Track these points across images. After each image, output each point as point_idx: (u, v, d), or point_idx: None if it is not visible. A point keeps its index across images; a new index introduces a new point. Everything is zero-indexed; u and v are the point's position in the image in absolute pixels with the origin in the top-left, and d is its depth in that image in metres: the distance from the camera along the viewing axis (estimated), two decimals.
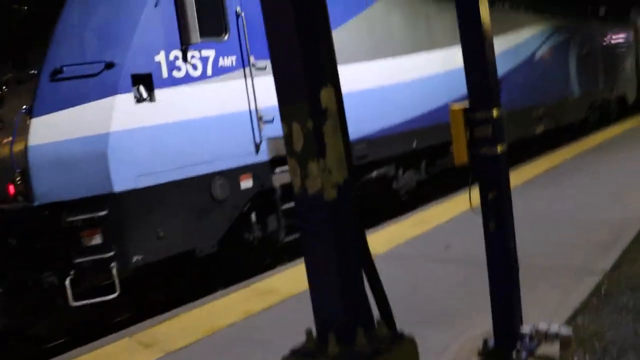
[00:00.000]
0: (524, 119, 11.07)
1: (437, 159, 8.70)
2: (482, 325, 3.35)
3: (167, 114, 4.90)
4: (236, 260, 5.89)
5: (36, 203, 4.42)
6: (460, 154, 2.86)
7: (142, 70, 4.73)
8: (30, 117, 4.43)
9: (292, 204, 5.91)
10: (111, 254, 4.53)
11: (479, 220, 6.05)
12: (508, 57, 10.63)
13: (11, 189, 4.60)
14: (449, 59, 8.67)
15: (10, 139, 4.56)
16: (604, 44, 15.99)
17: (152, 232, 4.77)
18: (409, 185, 8.07)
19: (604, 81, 15.77)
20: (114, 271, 4.53)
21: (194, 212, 5.11)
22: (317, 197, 1.99)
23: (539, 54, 11.84)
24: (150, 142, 4.78)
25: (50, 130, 4.44)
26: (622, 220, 5.49)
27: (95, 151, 4.52)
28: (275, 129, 5.73)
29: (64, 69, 4.46)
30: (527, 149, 11.70)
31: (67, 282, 4.41)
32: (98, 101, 4.55)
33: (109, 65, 4.57)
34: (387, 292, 4.14)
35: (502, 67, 10.25)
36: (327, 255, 2.04)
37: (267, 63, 5.46)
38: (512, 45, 10.78)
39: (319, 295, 2.14)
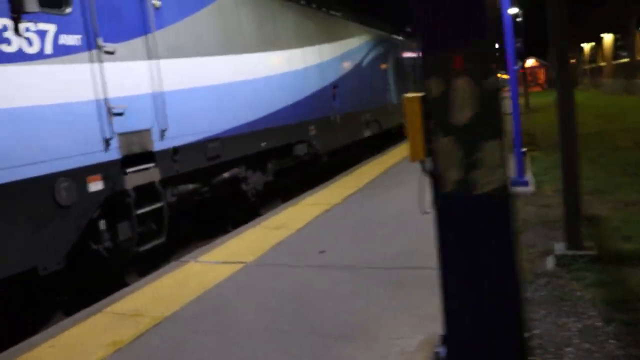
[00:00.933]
0: (356, 122, 11.65)
1: (281, 160, 8.63)
2: (406, 335, 3.25)
3: None
4: (84, 276, 4.99)
5: None
6: (416, 149, 2.60)
7: None
8: None
9: (147, 209, 5.26)
10: None
11: (338, 224, 6.07)
12: (344, 61, 11.07)
13: None
14: (293, 60, 8.69)
15: None
16: (413, 59, 17.77)
17: None
18: (257, 187, 7.81)
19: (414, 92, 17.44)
20: None
21: (33, 222, 4.15)
22: (492, 196, 1.59)
23: (365, 62, 12.60)
24: None
25: None
26: None
27: None
28: (127, 123, 5.05)
29: None
30: (358, 153, 12.34)
31: None
32: None
33: None
34: (279, 307, 3.87)
35: (339, 71, 10.66)
36: (494, 268, 1.70)
37: (117, 47, 4.81)
38: (346, 50, 11.26)
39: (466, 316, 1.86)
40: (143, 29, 5.34)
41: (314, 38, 9.65)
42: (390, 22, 15.68)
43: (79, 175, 4.55)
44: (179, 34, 5.91)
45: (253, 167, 7.66)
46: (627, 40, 28.80)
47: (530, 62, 63.64)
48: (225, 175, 6.96)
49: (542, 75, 62.78)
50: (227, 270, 4.89)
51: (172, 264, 5.34)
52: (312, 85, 9.45)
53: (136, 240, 5.18)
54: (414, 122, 2.53)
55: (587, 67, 42.69)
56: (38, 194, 4.18)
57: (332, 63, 10.41)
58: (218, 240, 6.07)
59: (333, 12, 10.85)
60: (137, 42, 5.28)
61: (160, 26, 5.57)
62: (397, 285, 4.13)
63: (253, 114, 7.35)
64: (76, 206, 4.51)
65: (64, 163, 4.40)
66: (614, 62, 31.66)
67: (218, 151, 6.50)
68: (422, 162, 2.62)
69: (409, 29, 18.01)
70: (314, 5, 9.82)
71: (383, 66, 14.22)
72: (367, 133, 12.46)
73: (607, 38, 34.12)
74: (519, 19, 33.36)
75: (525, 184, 7.18)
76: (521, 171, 7.35)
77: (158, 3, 5.53)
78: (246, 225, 6.63)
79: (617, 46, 31.99)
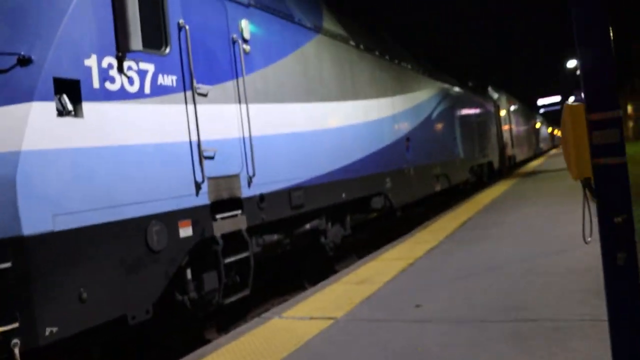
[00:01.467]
0: (428, 176, 11.30)
1: (358, 213, 8.33)
2: None
3: (96, 136, 3.81)
4: (165, 329, 4.72)
5: None
6: (581, 164, 2.33)
7: (68, 74, 3.65)
8: None
9: (235, 258, 5.01)
10: (14, 325, 3.21)
11: (427, 277, 5.71)
12: (416, 113, 10.88)
13: None
14: (369, 111, 8.55)
15: None
16: (477, 113, 17.51)
17: (72, 292, 3.53)
18: (336, 241, 7.49)
19: (479, 147, 17.14)
20: (17, 351, 3.21)
21: (125, 266, 3.95)
22: None
23: (434, 115, 12.38)
24: (73, 171, 3.64)
25: None
26: (579, 263, 5.45)
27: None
28: (217, 167, 4.89)
29: None
30: (428, 206, 11.90)
31: None
32: (5, 107, 3.36)
33: (24, 62, 3.43)
34: None
35: (411, 124, 10.46)
36: None
37: (210, 89, 4.73)
38: (417, 102, 11.10)
39: None
40: (234, 73, 5.30)
41: (388, 89, 9.54)
42: (454, 75, 15.51)
43: (171, 219, 4.37)
44: (266, 80, 5.85)
45: (332, 219, 7.37)
46: None
47: None
48: (307, 226, 6.70)
49: None
50: (317, 326, 4.51)
51: (255, 320, 4.94)
52: (388, 137, 9.24)
53: (222, 292, 4.91)
54: (578, 132, 2.33)
55: None
56: (131, 237, 4.00)
57: (404, 115, 10.22)
58: (299, 296, 5.67)
59: (405, 64, 10.77)
60: (228, 86, 5.21)
61: (249, 71, 5.52)
62: (517, 338, 3.67)
63: (333, 164, 7.14)
64: (166, 252, 4.31)
65: (157, 205, 4.24)
66: None
67: (302, 200, 6.27)
68: (586, 181, 2.40)
69: (470, 83, 17.84)
70: (387, 57, 9.76)
71: (450, 119, 13.95)
72: (437, 187, 12.06)
73: None
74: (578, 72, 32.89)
75: None
76: None
77: (248, 48, 5.51)
78: (326, 281, 6.24)
79: None
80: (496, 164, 20.11)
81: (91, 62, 3.82)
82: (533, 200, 11.77)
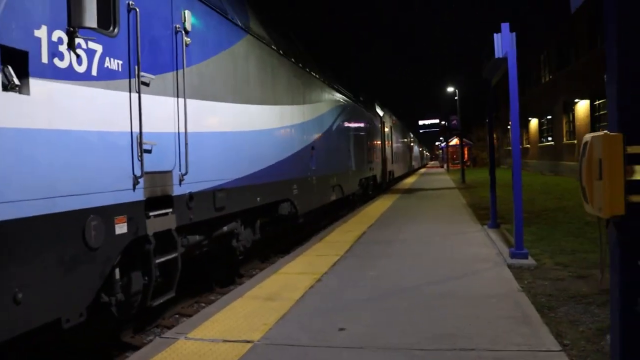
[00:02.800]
0: (326, 185, 11.67)
1: (267, 217, 8.41)
2: None
3: (41, 117, 3.51)
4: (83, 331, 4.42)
5: None
6: (614, 200, 2.16)
7: (16, 44, 3.33)
8: None
9: (165, 258, 4.86)
10: None
11: (340, 296, 5.62)
12: (320, 123, 11.19)
13: None
14: (285, 116, 8.69)
15: None
16: (367, 128, 18.40)
17: (7, 293, 3.21)
18: (246, 244, 7.48)
19: (367, 161, 18.02)
20: None
21: (62, 265, 3.66)
22: None
23: (334, 126, 12.82)
24: (15, 154, 3.32)
25: None
26: (493, 288, 5.68)
27: None
28: (154, 162, 4.74)
29: None
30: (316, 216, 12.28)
31: None
32: None
33: None
34: None
35: (316, 133, 10.76)
36: None
37: (153, 79, 4.60)
38: (322, 112, 11.43)
39: None
40: (174, 65, 5.14)
41: (300, 97, 9.75)
42: (347, 87, 16.17)
43: (108, 214, 4.14)
44: (201, 76, 5.74)
45: (245, 223, 7.36)
46: (553, 125, 31.62)
47: (453, 141, 67.85)
48: (225, 228, 6.63)
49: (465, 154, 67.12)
50: (233, 352, 4.09)
51: (157, 341, 4.44)
52: (298, 144, 9.44)
53: (151, 294, 4.73)
54: (613, 166, 2.17)
55: (510, 148, 46.08)
56: (69, 232, 3.73)
57: (312, 124, 10.50)
58: (204, 311, 5.29)
59: (313, 73, 11.05)
60: (169, 77, 5.05)
61: (188, 64, 5.39)
62: None
63: (252, 167, 7.16)
64: (103, 250, 4.07)
65: (96, 199, 4.00)
66: (539, 145, 34.39)
67: (224, 202, 6.21)
68: (614, 220, 2.18)
69: (361, 97, 18.68)
70: (300, 64, 9.96)
71: (346, 131, 14.52)
72: (333, 197, 12.49)
73: (533, 122, 37.25)
74: (456, 97, 35.84)
75: (525, 256, 7.10)
76: (520, 242, 7.19)
77: (188, 40, 5.37)
78: (229, 295, 5.85)
79: (542, 129, 34.96)
80: (379, 178, 21.27)
81: (41, 33, 3.52)
82: (421, 217, 12.39)
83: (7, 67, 3.27)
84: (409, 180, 34.00)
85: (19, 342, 3.62)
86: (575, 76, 26.69)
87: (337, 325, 4.66)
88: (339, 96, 13.73)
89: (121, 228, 4.30)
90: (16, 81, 3.32)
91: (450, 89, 39.93)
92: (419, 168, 67.61)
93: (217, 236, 6.55)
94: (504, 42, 7.42)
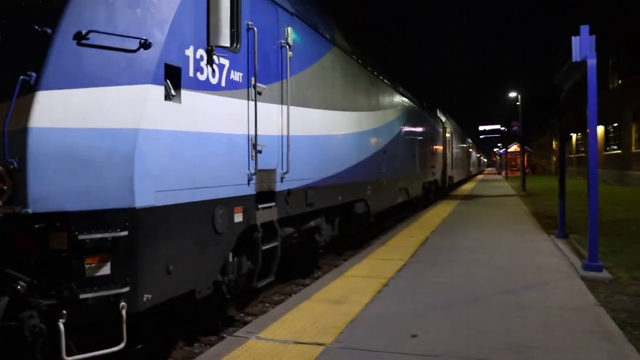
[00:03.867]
0: (395, 187, 12.25)
1: (346, 215, 9.06)
2: None
3: (188, 121, 4.28)
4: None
5: (30, 209, 3.36)
6: None
7: (174, 60, 4.11)
8: (38, 90, 3.43)
9: (269, 246, 5.57)
10: (121, 290, 3.62)
11: (410, 300, 5.63)
12: (391, 128, 11.80)
13: None
14: (363, 122, 9.34)
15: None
16: (430, 134, 18.89)
17: (163, 265, 3.97)
18: (327, 239, 8.15)
19: (430, 165, 18.49)
20: (124, 313, 3.62)
21: (198, 245, 4.42)
22: None
23: (402, 131, 13.40)
24: (171, 152, 4.09)
25: (61, 112, 3.49)
26: (568, 300, 5.59)
27: (118, 150, 3.68)
28: (263, 161, 5.46)
29: (90, 35, 3.62)
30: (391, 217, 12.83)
31: (61, 326, 3.37)
32: (129, 87, 3.77)
33: (145, 46, 3.86)
34: None
35: (388, 138, 11.36)
36: None
37: (264, 88, 5.32)
38: (393, 118, 12.03)
39: None
40: (280, 75, 5.88)
41: (376, 103, 10.42)
42: (413, 93, 16.66)
43: (230, 204, 4.88)
44: (299, 84, 6.48)
45: (327, 219, 8.03)
46: (621, 132, 30.81)
47: (512, 147, 66.86)
48: (312, 223, 7.32)
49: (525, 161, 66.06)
50: (306, 354, 4.13)
51: (228, 340, 4.57)
52: (373, 148, 10.09)
53: (257, 275, 5.45)
54: None
55: (572, 156, 45.15)
56: (204, 218, 4.48)
57: (384, 129, 11.13)
58: (272, 312, 5.42)
59: (386, 81, 11.67)
60: (276, 87, 5.79)
61: (290, 74, 6.11)
62: None
63: (335, 168, 7.84)
64: (226, 234, 4.81)
65: (222, 191, 4.75)
66: (604, 153, 33.47)
67: (313, 199, 6.90)
68: None
69: (425, 104, 19.12)
70: (375, 72, 10.61)
71: (412, 137, 15.05)
72: (400, 199, 13.05)
73: (599, 129, 36.41)
74: (518, 103, 35.51)
75: (600, 268, 6.91)
76: (595, 254, 7.00)
77: (290, 53, 6.10)
78: (295, 297, 6.01)
79: (608, 137, 34.04)
80: (440, 183, 21.64)
81: (189, 52, 4.30)
82: (484, 225, 12.25)
83: (167, 81, 4.04)
84: (468, 187, 33.96)
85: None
86: None
87: (409, 332, 4.66)
88: (406, 102, 14.29)
89: (238, 217, 5.03)
90: (173, 92, 4.09)
91: (512, 94, 39.45)
92: (477, 174, 66.97)
93: (305, 230, 7.25)
94: (582, 45, 7.22)
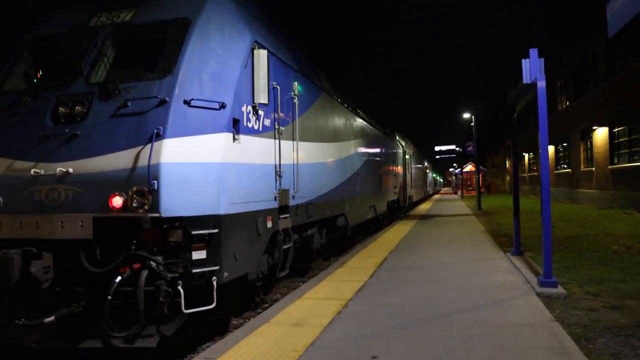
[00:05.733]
0: (366, 205, 14.85)
1: (331, 227, 11.53)
2: None
3: (243, 156, 6.66)
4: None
5: (163, 215, 5.60)
6: None
7: (237, 115, 6.49)
8: (163, 138, 5.71)
9: (287, 246, 7.94)
10: (214, 268, 5.91)
11: (369, 322, 6.02)
12: (362, 154, 14.45)
13: (116, 200, 5.63)
14: (342, 150, 11.91)
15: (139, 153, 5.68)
16: (392, 157, 21.76)
17: (232, 253, 6.29)
18: (317, 247, 10.57)
19: (392, 185, 21.30)
20: (215, 283, 5.90)
21: (249, 241, 6.76)
22: None
23: (371, 156, 16.09)
24: (235, 176, 6.45)
25: (176, 152, 5.79)
26: (524, 317, 6.06)
27: (209, 176, 6.00)
28: (283, 183, 7.90)
29: (192, 101, 5.96)
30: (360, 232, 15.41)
31: (181, 290, 5.61)
32: (214, 134, 6.12)
33: (222, 106, 6.22)
34: None
35: (359, 162, 14.00)
36: None
37: (283, 129, 7.82)
38: (363, 144, 14.69)
39: None
40: (291, 119, 8.33)
41: (351, 133, 13.06)
42: (377, 120, 19.42)
43: (265, 214, 7.26)
44: (302, 124, 8.94)
45: (319, 230, 10.47)
46: (570, 152, 33.85)
47: (467, 167, 71.11)
48: (309, 232, 9.74)
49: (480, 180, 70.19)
50: None
51: None
52: (349, 171, 12.71)
53: (282, 267, 7.81)
54: None
55: (525, 175, 49.06)
56: (251, 223, 6.83)
57: (357, 155, 13.82)
58: (231, 336, 5.86)
59: (357, 112, 14.33)
60: (290, 127, 8.25)
61: (298, 117, 8.58)
62: None
63: (324, 189, 10.35)
64: (263, 236, 7.18)
65: (261, 204, 7.12)
66: (555, 172, 36.92)
67: (312, 212, 9.34)
68: None
69: (386, 129, 21.92)
70: (348, 107, 13.24)
71: (378, 160, 17.80)
72: (370, 215, 15.66)
73: (549, 149, 40.08)
74: (472, 124, 38.90)
75: (555, 284, 7.43)
76: (549, 270, 7.52)
77: (297, 101, 8.57)
78: (255, 320, 6.43)
79: (559, 157, 37.56)
80: (402, 202, 24.54)
81: (244, 109, 6.69)
82: (441, 244, 13.12)
83: (233, 129, 6.40)
84: (425, 207, 35.88)
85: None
86: (593, 103, 27.84)
87: (370, 353, 4.94)
88: (372, 130, 17.04)
89: (269, 224, 7.40)
90: (236, 136, 6.46)
91: (466, 115, 42.76)
92: (434, 194, 70.84)
93: (304, 237, 9.64)
94: (532, 68, 7.79)
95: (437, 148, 72.58)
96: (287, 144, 8.14)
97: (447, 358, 4.75)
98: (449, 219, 22.88)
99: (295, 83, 8.61)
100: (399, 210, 24.32)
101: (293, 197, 8.36)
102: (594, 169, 28.00)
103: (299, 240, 9.42)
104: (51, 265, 5.62)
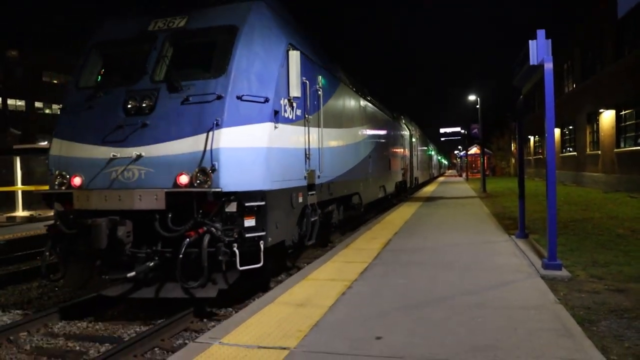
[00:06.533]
0: (377, 184, 16.49)
1: (346, 204, 13.15)
2: None
3: (281, 141, 8.21)
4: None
5: (223, 190, 7.12)
6: None
7: (277, 107, 8.03)
8: (220, 127, 7.25)
9: (314, 219, 9.53)
10: (262, 233, 7.49)
11: (374, 303, 6.24)
12: (374, 138, 16.04)
13: (183, 178, 7.18)
14: (357, 135, 13.49)
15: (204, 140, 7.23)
16: (400, 140, 23.35)
17: (274, 223, 7.86)
18: (335, 222, 12.18)
19: (400, 167, 22.92)
20: (262, 246, 7.47)
21: (286, 213, 8.34)
22: None
23: (381, 140, 17.68)
24: (276, 158, 8.00)
25: (231, 139, 7.33)
26: (529, 299, 6.23)
27: (258, 158, 7.56)
28: (310, 164, 9.45)
29: (243, 97, 7.49)
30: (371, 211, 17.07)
31: (237, 251, 7.17)
32: (260, 124, 7.66)
33: (266, 100, 7.77)
34: None
35: (371, 145, 15.61)
36: None
37: (311, 118, 9.41)
38: (374, 129, 16.28)
39: None
40: (316, 108, 9.89)
41: (365, 119, 14.66)
42: (386, 105, 20.97)
43: (297, 191, 8.83)
44: (325, 112, 10.50)
45: (337, 206, 12.08)
46: (576, 135, 35.02)
47: (472, 150, 72.59)
48: (330, 207, 11.33)
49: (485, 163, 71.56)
50: (270, 359, 4.52)
51: (190, 346, 5.08)
52: (363, 154, 14.32)
53: (309, 237, 9.41)
54: None
55: (531, 158, 50.52)
56: (287, 198, 8.41)
57: (369, 139, 15.45)
58: (236, 316, 6.02)
59: (370, 98, 15.89)
60: (315, 116, 9.81)
61: (322, 106, 10.12)
62: None
63: (342, 169, 11.92)
64: (296, 209, 8.76)
65: (294, 183, 8.69)
66: (561, 155, 38.14)
67: (333, 190, 10.94)
68: None
69: (394, 114, 23.45)
70: (361, 94, 14.79)
71: (387, 143, 19.44)
72: (380, 194, 17.32)
73: (555, 132, 41.48)
74: (478, 106, 40.21)
75: (559, 267, 7.67)
76: (554, 253, 7.76)
77: (321, 93, 10.10)
78: (259, 301, 6.65)
79: (564, 140, 38.70)
80: (408, 182, 26.22)
81: (281, 101, 8.23)
82: (446, 226, 13.69)
83: (274, 119, 7.95)
84: (429, 189, 36.77)
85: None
86: (600, 85, 28.74)
87: (374, 334, 5.06)
88: (382, 115, 18.64)
89: (300, 199, 8.98)
90: (276, 125, 8.01)
91: (471, 97, 43.80)
92: (438, 176, 72.57)
93: (325, 212, 11.23)
94: (539, 49, 7.91)
95: (442, 130, 74.05)
96: (313, 131, 9.69)
97: (451, 339, 4.87)
98: (453, 201, 23.57)
99: (320, 77, 10.13)
100: (406, 191, 26.03)
101: (318, 177, 9.93)
102: (599, 152, 28.78)
103: (321, 215, 11.02)
104: (131, 231, 7.21)
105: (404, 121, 27.05)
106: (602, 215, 15.46)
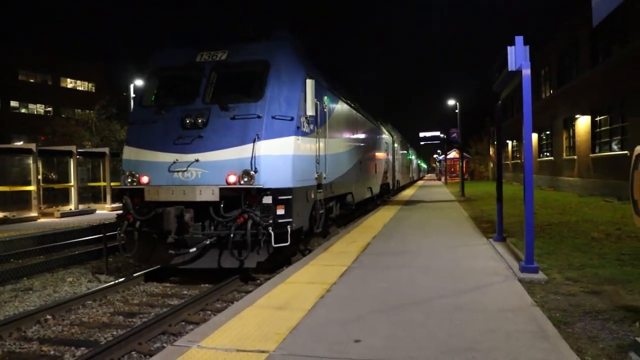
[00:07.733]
0: (365, 186, 19.72)
1: (342, 202, 16.28)
2: None
3: (301, 150, 11.24)
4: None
5: (262, 186, 10.10)
6: None
7: (298, 124, 11.06)
8: (259, 140, 10.24)
9: (321, 211, 12.61)
10: (289, 220, 10.48)
11: (353, 306, 6.57)
12: (364, 145, 19.30)
13: (232, 178, 10.14)
14: (352, 142, 16.66)
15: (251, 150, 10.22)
16: (384, 145, 26.85)
17: (297, 212, 10.87)
18: (333, 217, 15.26)
19: (384, 170, 26.24)
20: (289, 229, 10.46)
21: (304, 206, 11.37)
22: None
23: (369, 146, 20.93)
24: (298, 163, 11.01)
25: (268, 148, 10.31)
26: (506, 302, 6.53)
27: (286, 163, 10.56)
28: (319, 168, 12.52)
29: (276, 116, 10.49)
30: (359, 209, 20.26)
31: (272, 233, 10.13)
32: (287, 137, 10.66)
33: (292, 119, 10.78)
34: None
35: (361, 152, 18.83)
36: None
37: (319, 130, 12.59)
38: (363, 137, 19.54)
39: None
40: (322, 122, 12.96)
41: (356, 127, 18.00)
42: (370, 112, 24.14)
43: (311, 189, 11.89)
44: (329, 125, 13.60)
45: (335, 204, 15.17)
46: (553, 140, 36.86)
47: (451, 154, 76.21)
48: (330, 204, 14.41)
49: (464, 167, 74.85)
50: None
51: (168, 349, 5.27)
52: (355, 159, 17.57)
53: (317, 226, 12.46)
54: None
55: (509, 162, 53.55)
56: (304, 194, 11.44)
57: (360, 145, 18.73)
58: (214, 320, 6.24)
59: (358, 109, 19.06)
60: (323, 129, 12.91)
61: (327, 120, 13.21)
62: None
63: (340, 172, 15.03)
64: (311, 203, 11.83)
65: (309, 183, 11.74)
66: (538, 160, 40.31)
67: (333, 189, 14.04)
68: None
69: (378, 120, 26.65)
70: (353, 106, 17.98)
71: (374, 149, 22.75)
72: (368, 195, 20.54)
73: (532, 137, 44.58)
74: (457, 111, 43.19)
75: (536, 270, 8.01)
76: (531, 256, 8.10)
77: (326, 110, 13.20)
78: (238, 304, 6.92)
79: (541, 144, 40.80)
80: (391, 185, 29.64)
81: (301, 119, 11.28)
82: (425, 230, 14.82)
83: (297, 132, 10.98)
84: (409, 192, 39.01)
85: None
86: (576, 91, 30.09)
87: (353, 337, 5.24)
88: (369, 122, 21.85)
89: (313, 195, 12.05)
90: (298, 138, 11.05)
91: (451, 102, 46.77)
92: (418, 180, 76.11)
93: (327, 208, 14.26)
94: (517, 55, 8.35)
95: (421, 134, 77.42)
96: (321, 141, 12.75)
97: (430, 342, 5.06)
98: (432, 204, 25.12)
99: (325, 97, 13.23)
100: (388, 192, 29.40)
101: (324, 178, 12.98)
102: (576, 157, 30.24)
103: (323, 211, 14.08)
104: (192, 217, 10.15)
105: (386, 127, 30.31)
106: (578, 219, 16.56)
